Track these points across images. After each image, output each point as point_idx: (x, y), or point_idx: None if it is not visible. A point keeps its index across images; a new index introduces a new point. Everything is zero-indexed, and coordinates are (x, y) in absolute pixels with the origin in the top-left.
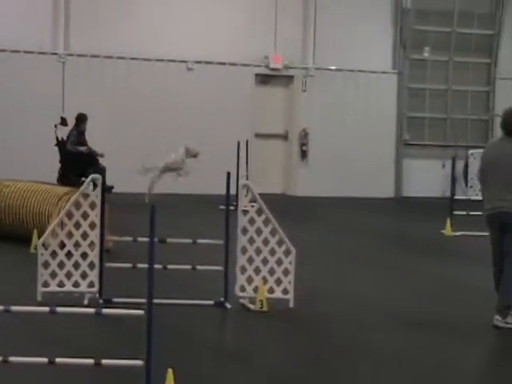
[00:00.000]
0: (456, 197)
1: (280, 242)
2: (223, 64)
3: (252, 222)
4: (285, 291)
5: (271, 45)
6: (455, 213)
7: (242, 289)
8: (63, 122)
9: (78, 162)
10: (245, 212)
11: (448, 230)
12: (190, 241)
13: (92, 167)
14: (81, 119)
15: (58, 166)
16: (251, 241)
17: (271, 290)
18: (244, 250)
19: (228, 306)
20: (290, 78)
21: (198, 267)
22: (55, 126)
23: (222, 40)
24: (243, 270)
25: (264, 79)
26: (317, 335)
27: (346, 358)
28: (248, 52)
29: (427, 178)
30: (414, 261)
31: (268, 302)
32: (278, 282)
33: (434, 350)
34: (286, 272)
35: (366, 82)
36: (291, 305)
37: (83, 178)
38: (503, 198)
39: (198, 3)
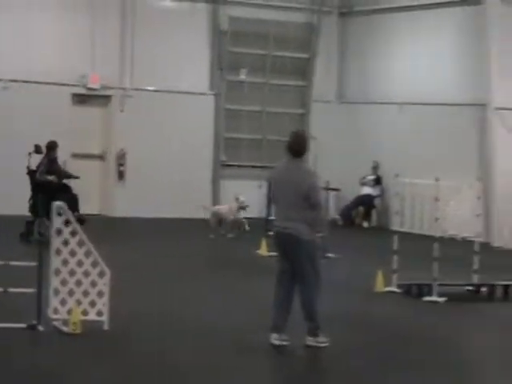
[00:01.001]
0: (271, 217)
1: (94, 264)
2: (39, 83)
3: (66, 243)
4: (99, 313)
5: (88, 64)
6: (270, 233)
7: (56, 311)
8: (37, 149)
9: (47, 191)
10: (59, 232)
11: (263, 250)
12: (1, 262)
13: (62, 196)
14: (51, 147)
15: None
16: (65, 262)
17: (85, 312)
18: (57, 272)
19: (41, 328)
20: (108, 97)
21: (11, 289)
22: (29, 154)
23: (39, 58)
24: (56, 292)
25: (81, 99)
26: (128, 355)
27: (152, 377)
28: (65, 71)
29: (245, 198)
30: (231, 280)
31: (82, 325)
32: (93, 303)
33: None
34: (100, 294)
35: (184, 102)
36: (106, 327)
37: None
38: (287, 219)
39: (19, 20)
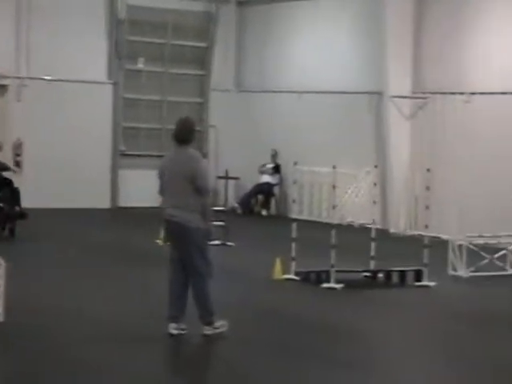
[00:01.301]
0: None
1: None
2: None
3: None
4: None
5: None
6: None
7: None
8: None
9: None
10: None
11: (162, 240)
12: None
13: (2, 190)
14: None
15: None
16: None
17: None
18: None
19: None
20: (4, 87)
21: None
22: None
23: None
24: None
25: None
26: (24, 350)
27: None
28: None
29: (143, 187)
30: (128, 271)
31: None
32: None
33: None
34: None
35: (82, 92)
36: (1, 319)
37: None
38: (175, 207)
39: None
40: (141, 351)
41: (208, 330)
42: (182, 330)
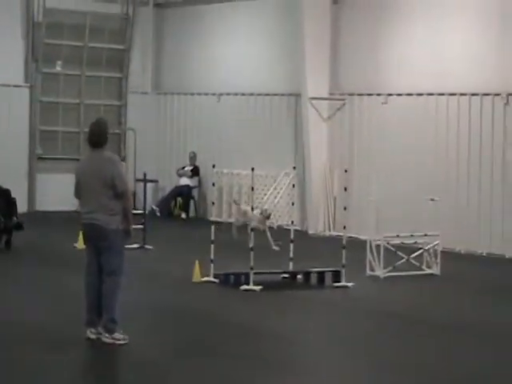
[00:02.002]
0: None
1: None
2: None
3: None
4: None
5: None
6: None
7: None
8: None
9: None
10: None
11: (80, 244)
12: None
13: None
14: None
15: None
16: None
17: None
18: None
19: None
20: None
21: None
22: None
23: None
24: None
25: None
26: None
27: None
28: None
29: (61, 191)
30: (46, 275)
31: None
32: None
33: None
34: None
35: None
36: None
37: None
38: (93, 210)
39: None
40: (59, 356)
41: (107, 338)
42: (100, 334)
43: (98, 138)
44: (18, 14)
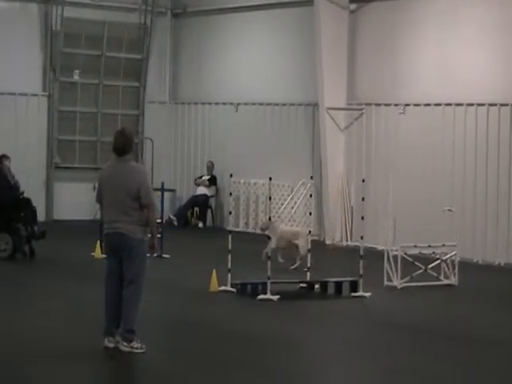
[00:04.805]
0: None
1: None
2: None
3: None
4: None
5: None
6: None
7: None
8: None
9: (5, 207)
10: None
11: (98, 253)
12: None
13: (22, 211)
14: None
15: None
16: None
17: None
18: None
19: None
20: None
21: None
22: None
23: None
24: None
25: None
26: None
27: None
28: None
29: (78, 200)
30: (64, 285)
31: None
32: None
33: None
34: None
35: (16, 104)
36: None
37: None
38: (117, 220)
39: None
40: (78, 367)
41: (125, 347)
42: (118, 342)
43: (123, 146)
44: (36, 23)
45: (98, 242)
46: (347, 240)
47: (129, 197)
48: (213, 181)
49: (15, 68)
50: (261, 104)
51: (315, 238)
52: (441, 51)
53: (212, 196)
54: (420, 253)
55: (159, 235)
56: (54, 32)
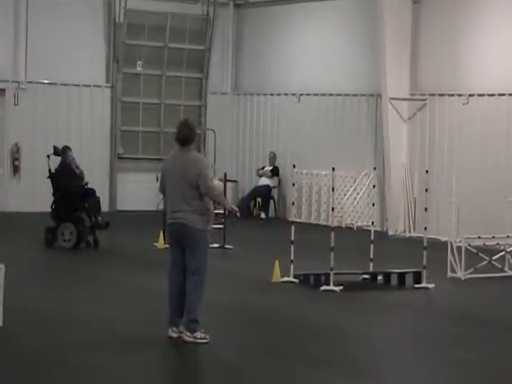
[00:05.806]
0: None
1: None
2: None
3: None
4: None
5: None
6: None
7: None
8: (56, 151)
9: (70, 196)
10: None
11: (161, 243)
12: None
13: (86, 201)
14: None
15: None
16: None
17: None
18: None
19: None
20: (2, 91)
21: None
22: (48, 157)
23: None
24: None
25: None
26: (24, 354)
27: (53, 376)
28: None
29: (141, 191)
30: (127, 275)
31: None
32: None
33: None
34: None
35: (80, 95)
36: (0, 323)
37: (78, 213)
38: (179, 210)
39: None
40: (142, 355)
41: (188, 337)
42: (181, 332)
43: (186, 136)
44: (99, 15)
45: (161, 232)
46: (410, 231)
47: (188, 185)
48: (275, 171)
49: (79, 60)
50: (323, 95)
51: (377, 228)
52: (505, 41)
53: (274, 187)
54: (484, 244)
55: (221, 225)
56: (118, 24)
